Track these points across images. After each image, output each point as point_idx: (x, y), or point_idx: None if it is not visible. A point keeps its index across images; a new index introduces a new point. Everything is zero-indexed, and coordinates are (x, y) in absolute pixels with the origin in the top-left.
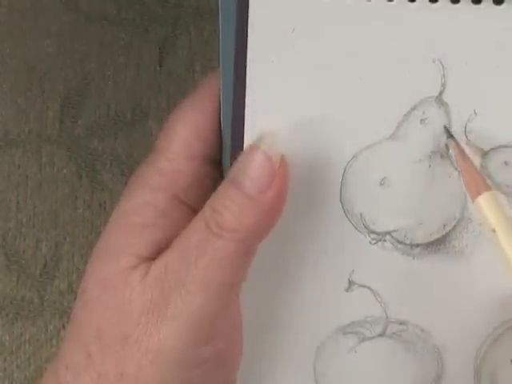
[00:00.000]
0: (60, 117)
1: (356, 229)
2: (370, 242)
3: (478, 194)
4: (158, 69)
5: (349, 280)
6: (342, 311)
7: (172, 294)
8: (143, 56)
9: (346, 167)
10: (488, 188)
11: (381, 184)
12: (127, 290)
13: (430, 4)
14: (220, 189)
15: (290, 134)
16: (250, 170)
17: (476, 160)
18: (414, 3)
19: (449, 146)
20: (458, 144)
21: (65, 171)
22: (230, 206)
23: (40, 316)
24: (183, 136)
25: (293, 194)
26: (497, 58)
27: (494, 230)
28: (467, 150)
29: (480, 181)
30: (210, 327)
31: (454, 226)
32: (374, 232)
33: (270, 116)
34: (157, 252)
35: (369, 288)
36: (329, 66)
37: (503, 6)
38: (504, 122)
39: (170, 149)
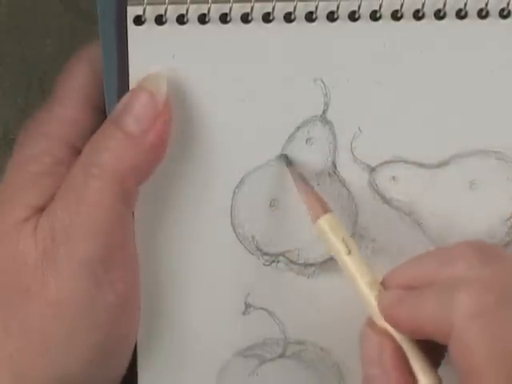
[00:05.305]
0: None
1: (249, 251)
2: (264, 264)
3: (319, 216)
4: None
5: (245, 303)
6: (241, 334)
7: (60, 244)
8: None
9: (234, 191)
10: (329, 210)
11: (271, 206)
12: (20, 243)
13: (307, 23)
14: (100, 129)
15: (175, 163)
16: (133, 109)
17: (364, 177)
18: (292, 24)
19: (289, 172)
20: (296, 169)
21: None
22: (110, 145)
23: None
24: (82, 85)
25: (184, 219)
26: (377, 74)
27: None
28: (354, 167)
29: (321, 203)
30: (104, 272)
31: None
32: (266, 254)
33: None
34: None
35: (266, 310)
36: (210, 90)
37: (380, 21)
38: (388, 137)
39: (68, 97)
